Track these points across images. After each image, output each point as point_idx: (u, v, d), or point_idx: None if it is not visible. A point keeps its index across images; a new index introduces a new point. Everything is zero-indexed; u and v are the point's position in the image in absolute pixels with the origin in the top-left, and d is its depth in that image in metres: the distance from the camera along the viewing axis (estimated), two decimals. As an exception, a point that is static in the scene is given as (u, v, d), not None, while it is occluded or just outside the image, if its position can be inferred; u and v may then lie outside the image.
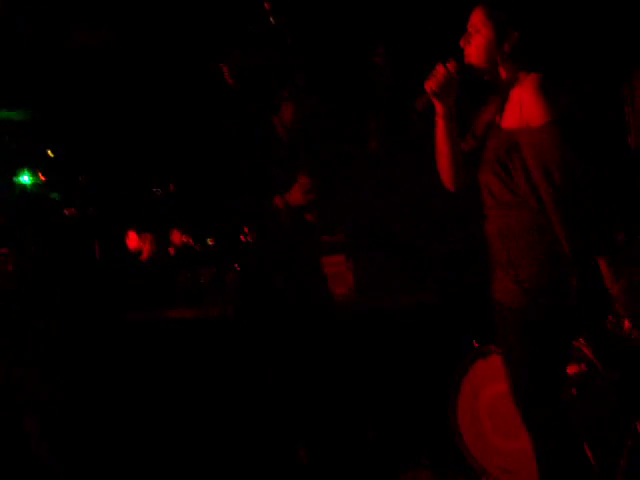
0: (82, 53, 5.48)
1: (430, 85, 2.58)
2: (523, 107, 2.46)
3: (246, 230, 3.67)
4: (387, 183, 4.56)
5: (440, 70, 2.57)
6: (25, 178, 5.73)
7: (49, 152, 5.95)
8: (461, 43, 2.60)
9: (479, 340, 3.77)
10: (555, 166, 2.42)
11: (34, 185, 5.83)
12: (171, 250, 5.88)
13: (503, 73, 2.59)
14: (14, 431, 3.72)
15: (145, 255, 5.73)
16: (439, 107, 2.63)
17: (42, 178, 5.85)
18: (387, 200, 4.49)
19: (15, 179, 5.67)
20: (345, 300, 4.35)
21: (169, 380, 4.30)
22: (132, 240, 5.86)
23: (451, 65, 2.56)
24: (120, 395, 4.22)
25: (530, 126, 2.45)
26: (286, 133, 3.74)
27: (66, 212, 5.32)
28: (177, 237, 6.18)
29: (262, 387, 3.74)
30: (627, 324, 3.25)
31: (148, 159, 5.84)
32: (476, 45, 2.57)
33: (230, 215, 3.92)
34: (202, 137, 5.43)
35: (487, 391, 3.67)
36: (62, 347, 4.04)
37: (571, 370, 3.26)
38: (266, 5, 4.69)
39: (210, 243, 5.56)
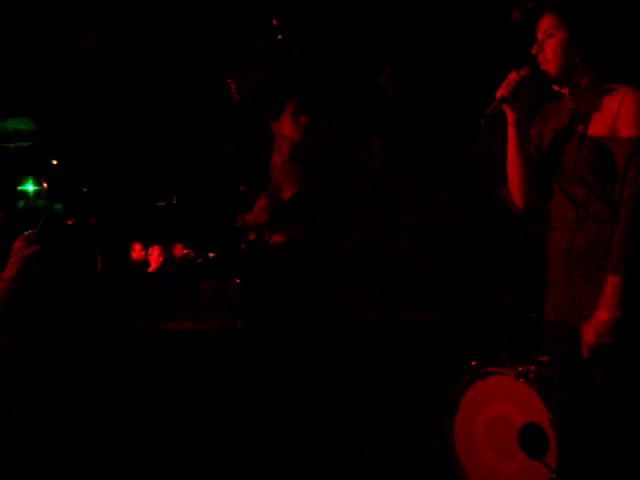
0: (88, 63, 5.52)
1: (501, 92, 2.52)
2: (620, 116, 2.40)
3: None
4: (389, 201, 4.57)
5: (512, 76, 2.51)
6: (29, 187, 5.75)
7: (53, 161, 5.97)
8: (533, 50, 2.54)
9: (478, 361, 3.78)
10: (630, 180, 2.38)
11: (37, 192, 5.85)
12: (172, 262, 5.89)
13: (580, 78, 2.52)
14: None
15: (152, 267, 5.74)
16: (510, 115, 2.57)
17: (45, 186, 5.86)
18: (388, 219, 4.50)
19: (19, 188, 5.70)
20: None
21: (167, 392, 4.30)
22: (137, 252, 5.87)
23: (524, 71, 2.50)
24: (117, 406, 4.21)
25: (620, 135, 2.41)
26: (289, 147, 3.78)
27: (68, 222, 5.33)
28: (179, 250, 6.20)
29: (260, 400, 3.75)
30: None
31: (152, 171, 5.86)
32: (552, 49, 2.51)
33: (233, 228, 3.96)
34: (206, 150, 5.46)
35: (484, 412, 3.67)
36: (59, 358, 4.04)
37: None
38: (274, 21, 4.74)
39: (211, 256, 5.57)
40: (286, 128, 3.75)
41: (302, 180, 3.69)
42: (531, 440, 3.45)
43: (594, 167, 2.44)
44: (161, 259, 5.93)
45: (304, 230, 3.62)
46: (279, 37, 4.70)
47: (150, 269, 6.03)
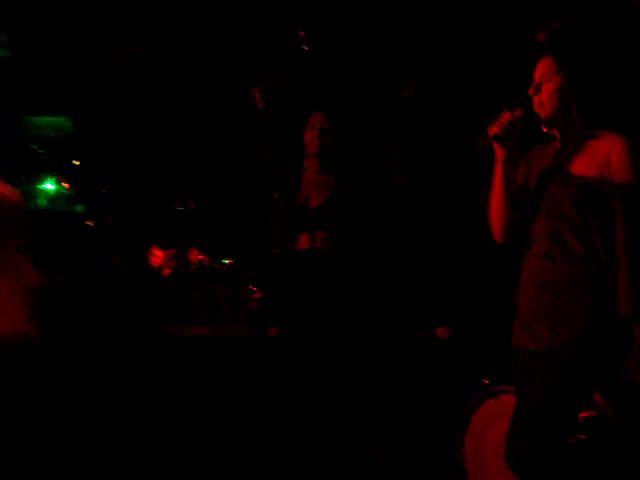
0: (113, 69, 5.57)
1: (493, 130, 2.55)
2: (611, 160, 2.42)
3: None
4: (407, 214, 4.59)
5: (506, 116, 2.54)
6: (49, 186, 5.78)
7: (75, 162, 6.01)
8: (530, 91, 2.57)
9: (490, 378, 3.78)
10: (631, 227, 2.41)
11: (57, 193, 5.88)
12: (189, 268, 5.91)
13: (573, 123, 2.56)
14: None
15: (167, 271, 5.76)
16: (499, 152, 2.60)
17: (66, 186, 5.90)
18: (406, 232, 4.53)
19: (40, 187, 5.73)
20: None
21: (180, 398, 4.31)
22: (155, 256, 5.89)
23: (518, 112, 2.53)
24: (130, 412, 4.22)
25: (618, 182, 2.43)
26: (315, 160, 3.80)
27: (87, 224, 5.37)
28: (194, 255, 6.21)
29: (272, 408, 3.77)
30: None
31: (171, 175, 5.90)
32: (548, 94, 2.54)
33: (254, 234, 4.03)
34: (226, 156, 5.50)
35: (495, 430, 3.67)
36: (73, 361, 4.05)
37: (580, 415, 3.26)
38: (300, 32, 4.77)
39: (227, 262, 5.59)
40: (310, 142, 3.79)
41: (329, 191, 3.73)
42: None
43: (580, 205, 2.46)
44: (175, 264, 5.94)
45: (329, 239, 3.66)
46: (305, 48, 4.73)
47: (163, 273, 6.04)
